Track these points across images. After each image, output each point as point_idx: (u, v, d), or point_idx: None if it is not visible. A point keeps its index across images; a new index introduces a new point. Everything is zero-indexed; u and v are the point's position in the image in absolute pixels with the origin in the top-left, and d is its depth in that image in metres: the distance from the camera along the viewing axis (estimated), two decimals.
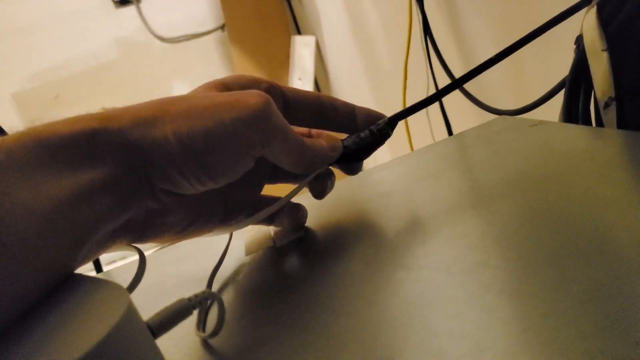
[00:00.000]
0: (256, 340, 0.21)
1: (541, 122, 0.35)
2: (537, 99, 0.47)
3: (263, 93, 0.24)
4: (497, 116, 0.48)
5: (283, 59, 1.94)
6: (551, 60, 0.50)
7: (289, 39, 1.93)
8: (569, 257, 0.19)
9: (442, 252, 0.23)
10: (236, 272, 0.29)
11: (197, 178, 0.23)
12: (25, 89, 2.14)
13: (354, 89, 1.50)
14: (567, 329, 0.15)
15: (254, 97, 0.23)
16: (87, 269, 0.25)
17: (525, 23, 0.53)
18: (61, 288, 0.19)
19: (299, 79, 1.85)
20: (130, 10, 2.12)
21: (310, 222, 0.32)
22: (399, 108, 0.79)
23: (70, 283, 0.19)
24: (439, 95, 0.33)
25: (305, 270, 0.26)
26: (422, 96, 0.76)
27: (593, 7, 0.38)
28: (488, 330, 0.16)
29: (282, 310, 0.23)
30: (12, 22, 2.08)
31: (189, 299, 0.19)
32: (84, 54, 2.14)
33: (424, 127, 0.76)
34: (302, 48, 1.85)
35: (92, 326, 0.15)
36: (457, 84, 0.33)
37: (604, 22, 0.37)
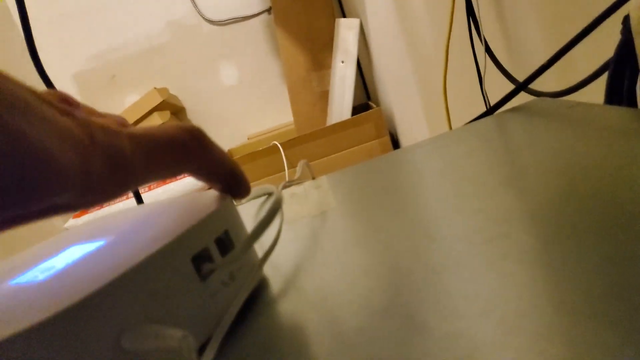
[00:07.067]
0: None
1: (579, 104, 0.35)
2: (579, 81, 0.46)
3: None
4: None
5: (326, 42, 1.94)
6: (597, 41, 0.49)
7: (334, 21, 1.92)
8: (590, 233, 0.19)
9: (466, 224, 0.24)
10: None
11: None
12: (85, 70, 2.24)
13: (396, 70, 1.49)
14: (577, 293, 0.16)
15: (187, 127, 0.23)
16: None
17: (572, 5, 0.52)
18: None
19: (342, 61, 1.85)
20: None
21: (337, 197, 0.33)
22: (439, 90, 0.78)
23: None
24: (503, 102, 0.34)
25: (332, 238, 0.28)
26: (461, 79, 0.74)
27: None
28: (501, 292, 0.17)
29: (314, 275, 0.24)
30: (75, 6, 2.17)
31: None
32: (138, 37, 2.22)
33: (464, 107, 0.76)
34: (346, 31, 1.84)
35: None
36: (521, 87, 0.34)
37: None
